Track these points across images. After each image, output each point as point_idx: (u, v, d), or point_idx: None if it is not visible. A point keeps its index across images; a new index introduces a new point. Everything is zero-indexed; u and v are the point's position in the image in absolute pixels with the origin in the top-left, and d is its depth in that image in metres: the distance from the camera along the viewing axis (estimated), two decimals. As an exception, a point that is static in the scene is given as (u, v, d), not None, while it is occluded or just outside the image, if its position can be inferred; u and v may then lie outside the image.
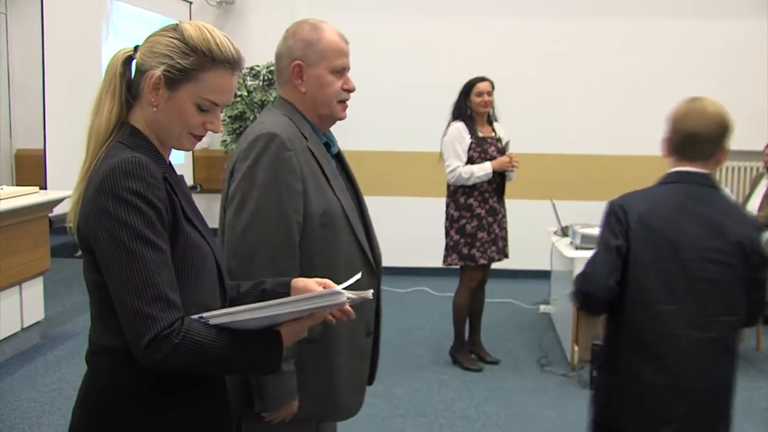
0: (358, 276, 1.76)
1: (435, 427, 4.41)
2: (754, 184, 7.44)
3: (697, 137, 2.42)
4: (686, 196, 2.42)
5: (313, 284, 1.78)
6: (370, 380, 2.46)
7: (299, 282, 1.81)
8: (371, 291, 1.66)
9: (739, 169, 7.67)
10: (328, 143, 2.33)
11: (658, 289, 2.37)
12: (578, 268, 5.16)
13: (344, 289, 1.61)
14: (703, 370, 2.36)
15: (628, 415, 2.44)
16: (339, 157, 2.40)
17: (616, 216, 2.45)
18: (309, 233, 2.14)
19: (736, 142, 7.61)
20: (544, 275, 6.79)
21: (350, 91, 2.29)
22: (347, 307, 1.68)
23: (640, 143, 7.83)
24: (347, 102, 2.31)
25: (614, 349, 2.51)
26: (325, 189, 2.18)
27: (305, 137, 2.19)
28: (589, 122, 7.83)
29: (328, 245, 2.17)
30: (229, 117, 7.46)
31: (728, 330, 2.38)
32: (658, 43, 7.86)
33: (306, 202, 2.12)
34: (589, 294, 2.46)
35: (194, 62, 1.64)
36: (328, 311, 1.69)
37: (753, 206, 7.21)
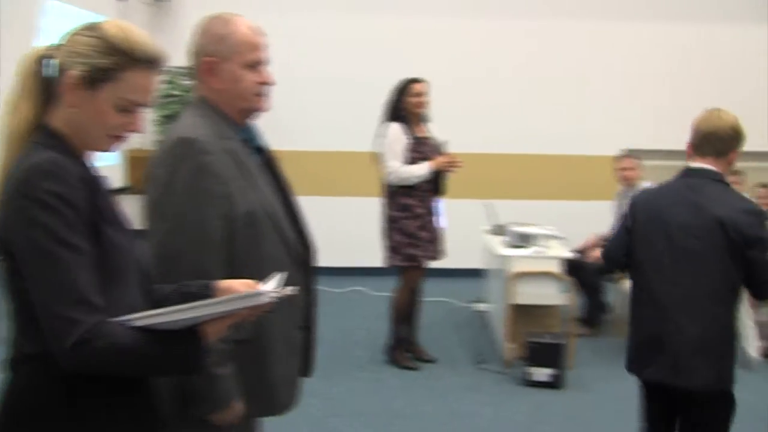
0: (279, 275, 1.76)
1: (372, 426, 4.42)
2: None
3: (713, 135, 2.94)
4: (686, 186, 2.97)
5: (237, 285, 1.77)
6: (308, 372, 2.47)
7: (223, 283, 1.81)
8: (292, 287, 1.70)
9: (668, 168, 7.84)
10: (250, 138, 2.31)
11: (648, 256, 2.98)
12: (513, 266, 5.28)
13: (270, 288, 1.65)
14: (681, 325, 2.86)
15: (630, 357, 3.06)
16: (265, 153, 2.38)
17: (632, 202, 3.17)
18: (234, 234, 2.12)
19: (664, 142, 7.84)
20: (479, 274, 6.87)
21: (267, 84, 2.26)
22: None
23: (578, 143, 8.03)
24: (267, 94, 2.28)
25: (630, 303, 3.11)
26: (248, 188, 2.16)
27: (225, 137, 2.17)
28: (527, 122, 7.96)
29: (253, 245, 2.15)
30: (163, 117, 7.36)
31: (707, 294, 2.85)
32: (598, 45, 8.06)
33: (229, 204, 2.11)
34: (604, 260, 3.32)
35: (115, 62, 1.62)
36: (250, 310, 1.70)
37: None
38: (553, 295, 5.31)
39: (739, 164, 7.01)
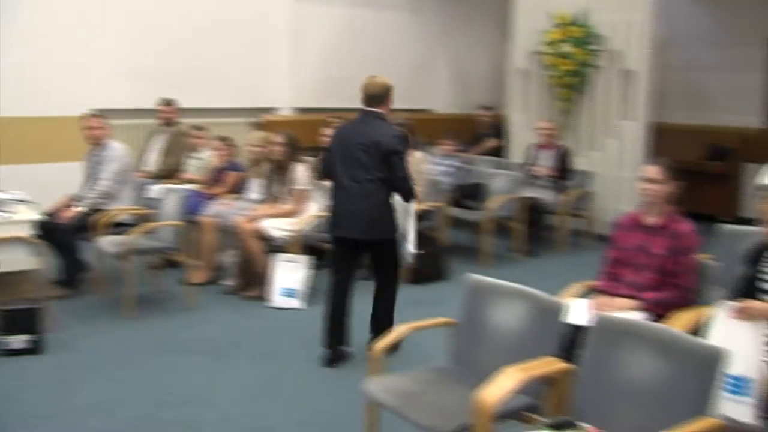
0: None
1: None
2: (149, 138, 7.92)
3: (374, 95, 4.77)
4: (360, 121, 4.81)
5: None
6: None
7: None
8: None
9: (136, 126, 8.06)
10: None
11: (338, 163, 4.78)
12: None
13: None
14: (355, 203, 4.69)
15: (329, 225, 4.92)
16: None
17: (333, 133, 5.09)
18: None
19: (131, 101, 7.99)
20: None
21: None
22: None
23: (44, 104, 7.84)
24: None
25: (330, 194, 4.90)
26: None
27: None
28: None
29: None
30: None
31: (369, 184, 4.66)
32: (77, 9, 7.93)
33: None
34: (321, 174, 5.34)
35: None
36: None
37: (149, 159, 7.69)
38: (25, 260, 5.19)
39: (203, 120, 7.52)
